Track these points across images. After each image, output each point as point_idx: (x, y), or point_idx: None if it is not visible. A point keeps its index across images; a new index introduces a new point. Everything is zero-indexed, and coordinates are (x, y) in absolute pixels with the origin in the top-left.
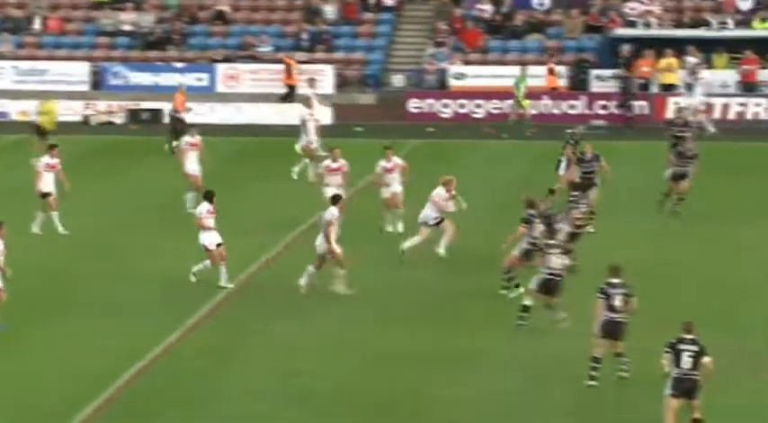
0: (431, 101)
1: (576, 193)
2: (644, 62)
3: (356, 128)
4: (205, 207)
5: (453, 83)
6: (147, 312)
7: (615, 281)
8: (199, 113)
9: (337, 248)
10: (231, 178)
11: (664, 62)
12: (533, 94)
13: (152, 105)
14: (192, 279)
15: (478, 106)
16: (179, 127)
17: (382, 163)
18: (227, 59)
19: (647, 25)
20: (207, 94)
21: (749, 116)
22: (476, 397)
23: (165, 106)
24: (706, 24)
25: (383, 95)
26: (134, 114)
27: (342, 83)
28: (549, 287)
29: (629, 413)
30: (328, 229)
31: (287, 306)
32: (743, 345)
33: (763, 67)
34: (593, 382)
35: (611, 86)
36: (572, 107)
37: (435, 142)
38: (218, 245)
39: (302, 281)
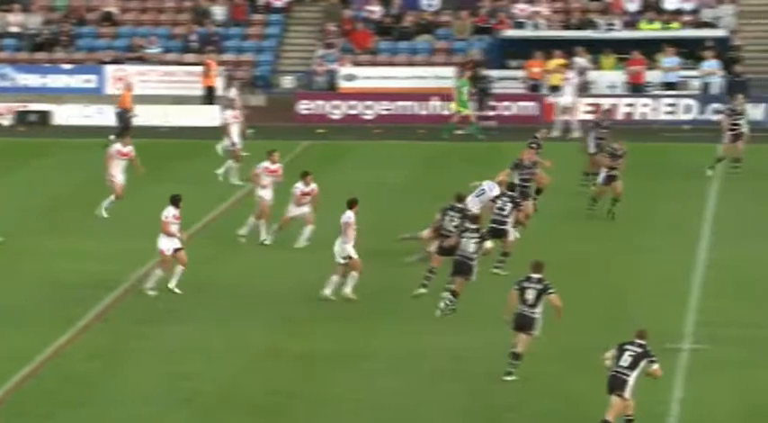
0: (320, 102)
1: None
2: (533, 63)
3: (247, 129)
4: (171, 212)
5: (343, 84)
6: (36, 314)
7: (533, 276)
8: (87, 115)
9: (354, 252)
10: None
11: (553, 63)
12: (423, 96)
13: (40, 107)
14: (150, 291)
15: (368, 108)
16: (129, 125)
17: (266, 164)
18: (115, 61)
19: (536, 26)
20: (95, 95)
21: (637, 117)
22: (361, 396)
23: (53, 108)
24: (594, 26)
25: (273, 97)
26: (21, 116)
27: (231, 84)
28: (461, 270)
29: (511, 412)
30: (348, 231)
31: (176, 309)
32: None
33: (651, 68)
34: (509, 378)
35: (501, 87)
36: None
37: (325, 143)
38: (177, 250)
39: (327, 291)
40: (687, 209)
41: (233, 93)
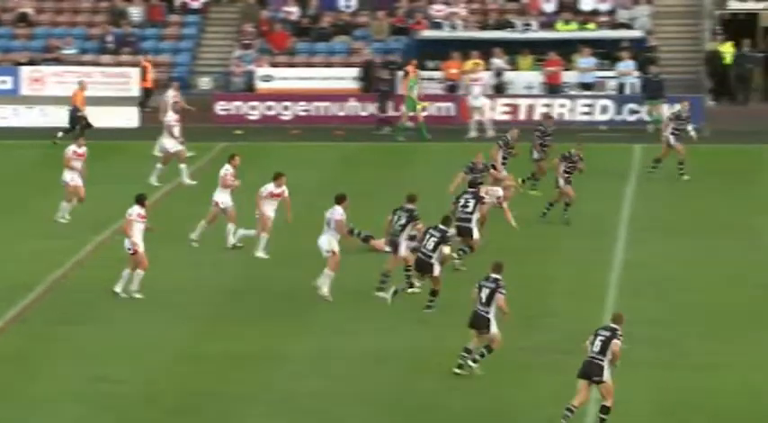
0: (238, 103)
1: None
2: (450, 64)
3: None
4: (136, 210)
5: (261, 85)
6: None
7: (492, 276)
8: (3, 117)
9: (337, 248)
10: (39, 181)
11: (470, 64)
12: (340, 97)
13: None
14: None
15: (286, 108)
16: (82, 124)
17: (271, 187)
18: (31, 62)
19: (453, 27)
20: (11, 97)
21: (554, 117)
22: (280, 396)
23: None
24: (511, 26)
25: (190, 98)
26: None
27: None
28: (421, 268)
29: (431, 411)
30: (340, 227)
31: (93, 310)
32: (544, 344)
33: (567, 69)
34: (458, 371)
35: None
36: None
37: (243, 144)
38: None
39: (323, 286)
40: (604, 209)
41: (172, 94)
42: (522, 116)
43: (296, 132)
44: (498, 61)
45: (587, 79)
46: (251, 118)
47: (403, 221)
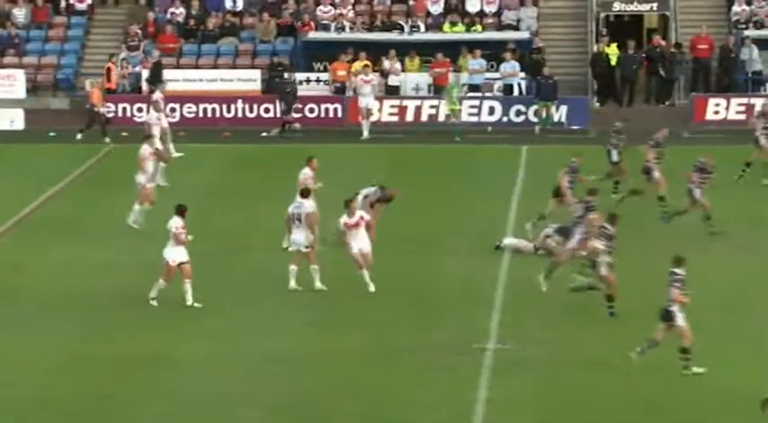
0: (124, 105)
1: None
2: (338, 66)
3: (49, 133)
4: (178, 222)
5: (147, 87)
6: None
7: (670, 269)
8: None
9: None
10: None
11: (357, 66)
12: (227, 98)
13: None
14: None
15: (173, 110)
16: (100, 121)
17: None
18: None
19: (341, 29)
20: None
21: (441, 118)
22: (176, 398)
23: None
24: (398, 28)
25: (76, 100)
26: None
27: (33, 87)
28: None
29: (324, 412)
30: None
31: None
32: (440, 344)
33: (454, 70)
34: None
35: (306, 89)
36: (267, 111)
37: (130, 146)
38: (182, 263)
39: (315, 281)
40: (493, 209)
41: (157, 95)
42: (409, 117)
43: (183, 134)
44: (389, 63)
45: (477, 81)
46: (137, 120)
47: (580, 213)
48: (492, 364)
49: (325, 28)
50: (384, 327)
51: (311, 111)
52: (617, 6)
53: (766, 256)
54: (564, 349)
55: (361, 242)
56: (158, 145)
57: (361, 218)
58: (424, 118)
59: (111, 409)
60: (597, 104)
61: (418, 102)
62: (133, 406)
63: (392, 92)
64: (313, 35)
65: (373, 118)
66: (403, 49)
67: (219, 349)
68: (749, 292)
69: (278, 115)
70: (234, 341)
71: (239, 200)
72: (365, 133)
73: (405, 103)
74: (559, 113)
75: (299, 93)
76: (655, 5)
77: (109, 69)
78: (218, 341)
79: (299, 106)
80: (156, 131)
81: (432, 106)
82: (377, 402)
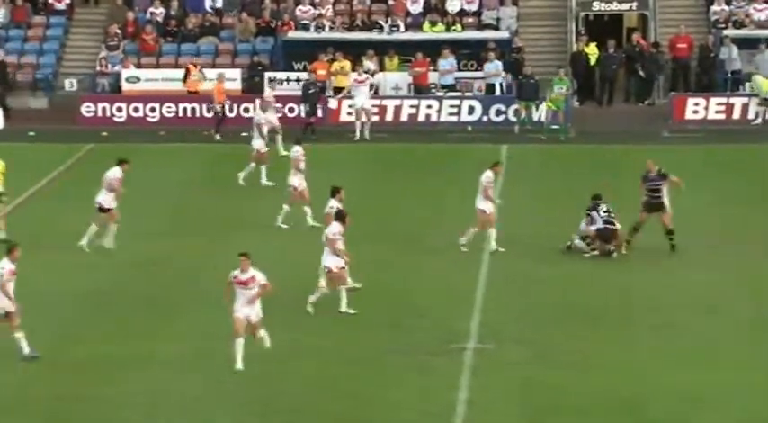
0: (104, 105)
1: None
2: (318, 65)
3: (29, 132)
4: (337, 228)
5: (127, 87)
6: None
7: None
8: None
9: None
10: None
11: (337, 65)
12: (207, 98)
13: None
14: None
15: (153, 110)
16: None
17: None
18: None
19: (320, 28)
20: None
21: (421, 118)
22: (152, 398)
23: None
24: (378, 28)
25: (56, 99)
26: None
27: (13, 87)
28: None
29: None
30: (333, 245)
31: None
32: (412, 345)
33: (434, 70)
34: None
35: (286, 89)
36: (246, 110)
37: (110, 146)
38: (340, 268)
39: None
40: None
41: (267, 94)
42: (389, 117)
43: (163, 134)
44: (369, 63)
45: (448, 81)
46: (117, 120)
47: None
48: (472, 364)
49: (305, 28)
50: (363, 327)
51: (291, 110)
52: (596, 6)
53: (741, 258)
54: (544, 349)
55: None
56: (262, 145)
57: (252, 278)
58: (404, 118)
59: (88, 410)
60: (577, 104)
61: (398, 101)
62: (110, 407)
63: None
64: (293, 35)
65: (371, 119)
66: (383, 49)
67: (197, 349)
68: (724, 293)
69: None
70: (211, 341)
71: (220, 199)
72: (357, 134)
73: (384, 102)
74: (539, 113)
75: (278, 92)
76: (634, 5)
77: (188, 70)
78: (195, 341)
79: (280, 106)
80: (264, 131)
81: (412, 106)
82: (355, 403)
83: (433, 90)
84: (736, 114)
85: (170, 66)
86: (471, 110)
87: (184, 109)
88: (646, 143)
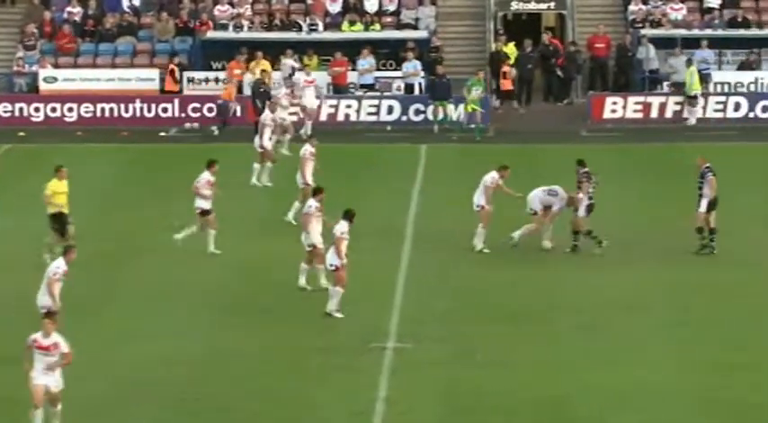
0: (21, 105)
1: None
2: (236, 65)
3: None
4: (345, 227)
5: (44, 86)
6: None
7: None
8: None
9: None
10: None
11: (254, 65)
12: (125, 98)
13: None
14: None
15: (70, 110)
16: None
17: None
18: None
19: (239, 28)
20: None
21: (340, 117)
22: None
23: None
24: (297, 27)
25: None
26: None
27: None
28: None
29: (223, 413)
30: (340, 243)
31: None
32: (337, 344)
33: (353, 69)
34: None
35: (205, 89)
36: (165, 110)
37: (27, 146)
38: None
39: (302, 281)
40: (391, 208)
41: (284, 92)
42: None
43: (80, 134)
44: (290, 62)
45: (367, 80)
46: (34, 120)
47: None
48: (392, 364)
49: (224, 27)
50: (284, 327)
51: (210, 110)
52: (515, 5)
53: (659, 257)
54: (464, 348)
55: None
56: (267, 144)
57: (55, 344)
58: (323, 117)
59: (5, 411)
60: (496, 103)
61: (317, 100)
62: (17, 408)
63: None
64: (211, 34)
65: (317, 118)
66: (301, 49)
67: (118, 351)
68: (644, 292)
69: (177, 114)
70: (133, 343)
71: (137, 199)
72: (309, 132)
73: (303, 102)
74: (458, 112)
75: (197, 92)
76: (552, 4)
77: (173, 71)
78: (116, 343)
79: (197, 106)
80: (267, 132)
81: (331, 106)
82: (277, 402)
83: (352, 90)
84: (654, 113)
85: (88, 65)
86: (390, 109)
87: (102, 109)
88: (564, 142)
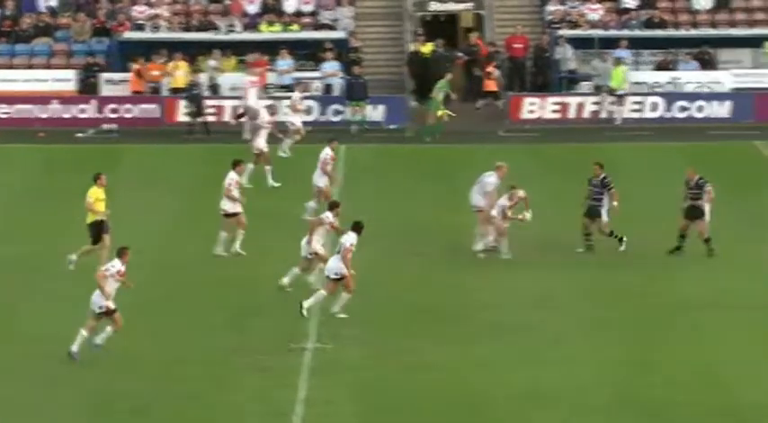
0: None
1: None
2: (153, 66)
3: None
4: (353, 239)
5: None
6: None
7: None
8: None
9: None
10: None
11: (172, 65)
12: (42, 99)
13: None
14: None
15: None
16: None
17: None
18: None
19: (156, 28)
20: None
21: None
22: None
23: None
24: (215, 28)
25: None
26: None
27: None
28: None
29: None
30: (347, 254)
31: None
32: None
33: (272, 70)
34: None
35: (122, 90)
36: (82, 111)
37: None
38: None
39: (285, 280)
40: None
41: (298, 96)
42: (226, 117)
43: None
44: (213, 63)
45: (286, 81)
46: None
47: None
48: (311, 364)
49: (141, 28)
50: (201, 329)
51: (128, 111)
52: (432, 6)
53: (572, 255)
54: (383, 349)
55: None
56: (263, 146)
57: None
58: (242, 118)
59: None
60: (415, 103)
61: (237, 101)
62: None
63: (215, 91)
64: (128, 35)
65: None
66: (220, 49)
67: (31, 352)
68: (557, 290)
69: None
70: (46, 344)
71: (54, 200)
72: (246, 134)
73: (223, 102)
74: (377, 112)
75: (114, 93)
76: (470, 5)
77: (138, 71)
78: (30, 344)
79: (115, 107)
80: (264, 134)
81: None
82: (197, 404)
83: (271, 90)
84: (572, 113)
85: (4, 66)
86: (309, 110)
87: (19, 110)
88: (483, 142)
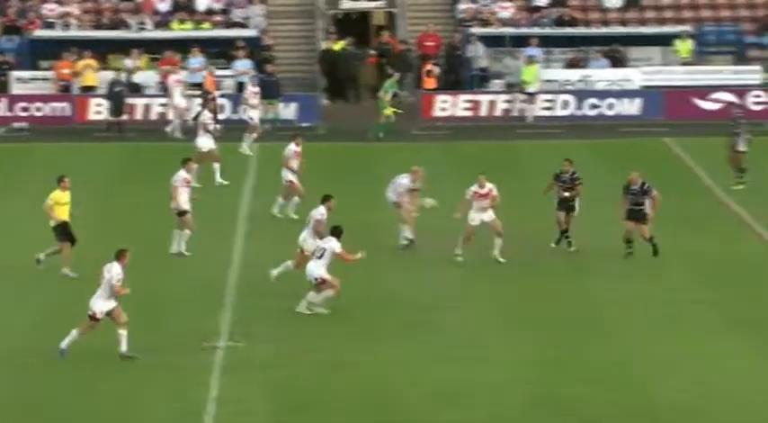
0: None
1: None
2: (63, 64)
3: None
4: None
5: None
6: None
7: None
8: None
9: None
10: None
11: (82, 64)
12: None
13: None
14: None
15: None
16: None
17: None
18: None
19: (67, 26)
20: None
21: (171, 116)
22: None
23: None
24: (126, 26)
25: None
26: None
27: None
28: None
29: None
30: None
31: None
32: (163, 343)
33: (183, 68)
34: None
35: (32, 88)
36: None
37: None
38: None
39: (275, 272)
40: (222, 207)
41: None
42: (138, 116)
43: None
44: (129, 62)
45: (197, 79)
46: None
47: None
48: (223, 363)
49: (52, 26)
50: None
51: (38, 109)
52: (345, 4)
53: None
54: (296, 348)
55: None
56: (203, 145)
57: None
58: (152, 116)
59: None
60: (327, 101)
61: (147, 100)
62: None
63: (136, 90)
64: (39, 33)
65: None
66: (130, 48)
67: None
68: (470, 289)
69: (4, 114)
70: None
71: None
72: (177, 133)
73: (133, 100)
74: (289, 110)
75: (25, 91)
76: (382, 3)
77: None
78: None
79: (26, 105)
80: (210, 129)
81: (161, 105)
82: (108, 402)
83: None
84: (484, 111)
85: None
86: (221, 108)
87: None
88: (395, 141)
